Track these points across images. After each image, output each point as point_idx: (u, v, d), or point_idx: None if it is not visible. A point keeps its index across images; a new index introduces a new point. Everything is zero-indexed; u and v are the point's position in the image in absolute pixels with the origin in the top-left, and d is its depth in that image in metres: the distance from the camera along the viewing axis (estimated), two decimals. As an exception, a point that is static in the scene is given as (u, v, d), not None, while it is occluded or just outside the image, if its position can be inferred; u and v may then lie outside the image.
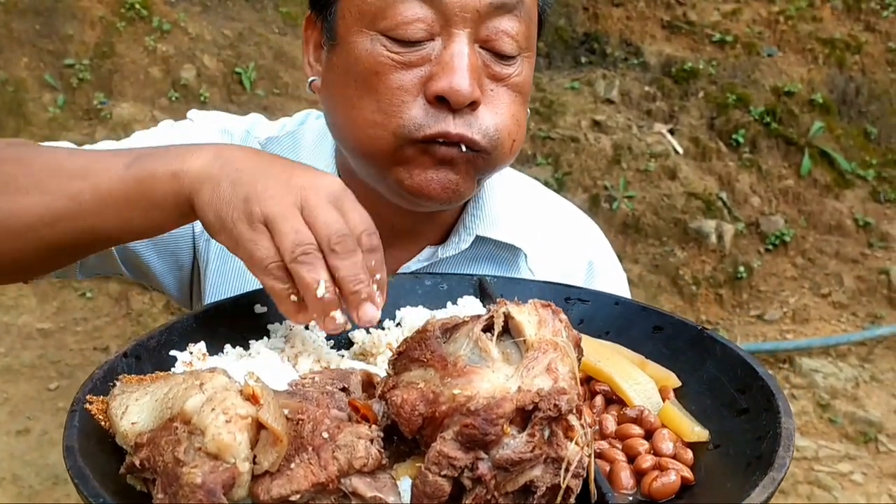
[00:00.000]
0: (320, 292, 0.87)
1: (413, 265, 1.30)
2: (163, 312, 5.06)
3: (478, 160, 1.14)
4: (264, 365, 0.93)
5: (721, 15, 7.39)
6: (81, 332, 4.90)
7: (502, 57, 1.14)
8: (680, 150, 6.50)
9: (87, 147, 1.27)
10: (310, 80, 1.25)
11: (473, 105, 1.11)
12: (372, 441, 0.70)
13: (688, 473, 0.80)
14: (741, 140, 6.64)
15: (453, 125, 1.10)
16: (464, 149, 1.11)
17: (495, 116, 1.14)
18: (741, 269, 5.96)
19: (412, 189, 1.13)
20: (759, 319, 5.73)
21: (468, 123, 1.11)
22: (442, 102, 1.10)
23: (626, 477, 0.80)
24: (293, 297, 0.90)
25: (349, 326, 0.91)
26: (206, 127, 1.35)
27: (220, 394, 0.70)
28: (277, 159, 1.01)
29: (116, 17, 6.12)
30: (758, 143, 6.68)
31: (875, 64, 7.27)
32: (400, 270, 1.29)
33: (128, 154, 1.03)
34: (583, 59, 7.26)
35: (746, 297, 5.91)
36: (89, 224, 1.02)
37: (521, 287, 1.17)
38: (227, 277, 1.31)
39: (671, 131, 6.66)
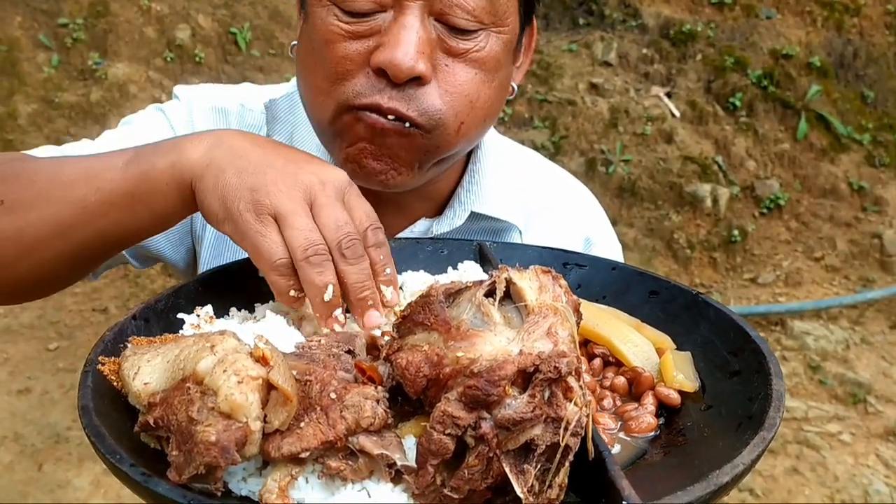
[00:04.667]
0: (328, 297, 0.88)
1: (407, 237, 1.30)
2: (160, 274, 5.08)
3: (416, 138, 1.10)
4: (271, 328, 0.95)
5: (720, -24, 7.33)
6: (80, 294, 4.92)
7: (459, 31, 1.08)
8: (677, 113, 6.49)
9: (77, 145, 1.25)
10: (292, 44, 1.26)
11: (420, 81, 1.07)
12: (378, 401, 0.72)
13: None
14: (738, 104, 6.62)
15: (388, 99, 1.07)
16: (395, 120, 1.07)
17: (443, 95, 1.09)
18: (735, 232, 5.99)
19: (348, 158, 1.11)
20: (753, 283, 5.78)
21: (407, 99, 1.07)
22: (384, 75, 1.06)
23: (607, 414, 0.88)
24: (293, 293, 0.90)
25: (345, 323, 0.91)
26: (196, 107, 1.33)
27: (231, 355, 0.72)
28: (282, 148, 0.99)
29: (109, -24, 6.05)
30: (755, 106, 6.66)
31: (873, 27, 7.22)
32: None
33: (126, 152, 1.02)
34: (581, 21, 7.20)
35: (740, 261, 5.94)
36: (99, 227, 1.01)
37: (521, 252, 1.19)
38: (222, 260, 1.31)
39: (668, 95, 6.63)
